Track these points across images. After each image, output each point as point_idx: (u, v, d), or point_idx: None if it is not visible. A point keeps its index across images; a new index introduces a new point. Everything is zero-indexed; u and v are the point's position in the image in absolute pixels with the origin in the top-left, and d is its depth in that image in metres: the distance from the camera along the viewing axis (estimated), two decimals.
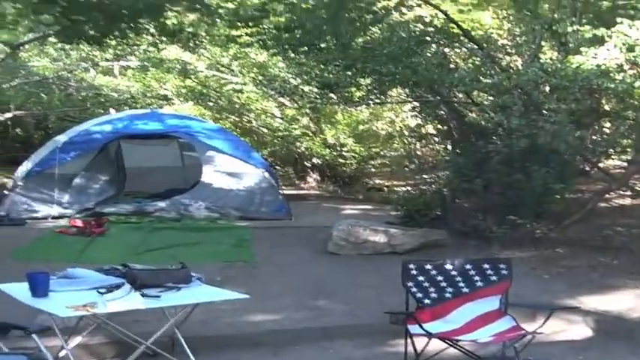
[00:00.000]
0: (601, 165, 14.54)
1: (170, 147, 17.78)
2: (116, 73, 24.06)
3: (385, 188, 20.70)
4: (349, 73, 14.73)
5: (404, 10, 13.83)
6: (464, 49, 14.59)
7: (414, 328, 6.54)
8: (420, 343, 6.58)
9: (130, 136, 16.12)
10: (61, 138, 15.98)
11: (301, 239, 13.16)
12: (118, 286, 6.37)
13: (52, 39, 16.81)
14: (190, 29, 15.80)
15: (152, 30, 15.12)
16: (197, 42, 17.39)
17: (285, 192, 16.99)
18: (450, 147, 16.30)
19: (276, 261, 11.55)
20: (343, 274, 10.84)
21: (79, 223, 13.56)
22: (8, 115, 22.50)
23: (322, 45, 14.56)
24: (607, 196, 14.54)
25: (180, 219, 14.78)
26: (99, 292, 6.24)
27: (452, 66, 14.36)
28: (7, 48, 17.02)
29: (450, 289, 7.05)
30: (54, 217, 14.44)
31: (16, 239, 12.51)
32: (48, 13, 13.74)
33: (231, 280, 9.56)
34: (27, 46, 18.25)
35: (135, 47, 18.79)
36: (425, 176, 17.35)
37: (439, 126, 17.07)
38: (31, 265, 8.34)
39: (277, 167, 21.66)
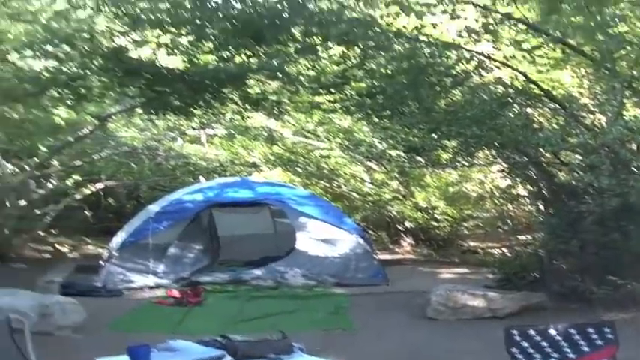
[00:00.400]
0: None
1: (261, 214, 17.88)
2: (203, 142, 24.31)
3: (480, 250, 20.50)
4: (434, 136, 14.73)
5: (483, 72, 13.79)
6: (546, 108, 14.49)
7: None
8: None
9: (221, 204, 16.28)
10: (154, 208, 16.24)
11: (399, 305, 13.10)
12: (219, 358, 6.33)
13: (138, 110, 17.10)
14: (273, 97, 15.98)
15: (236, 99, 15.30)
16: (281, 109, 17.51)
17: (380, 257, 16.88)
18: (542, 207, 16.08)
19: (374, 327, 11.47)
20: (443, 339, 10.74)
21: (176, 293, 13.67)
22: (100, 185, 22.80)
23: (405, 109, 14.57)
24: None
25: (277, 287, 14.78)
26: None
27: (536, 126, 14.28)
28: (95, 120, 17.36)
29: (555, 355, 6.85)
30: (150, 287, 14.56)
31: (113, 310, 12.60)
32: (133, 85, 14.05)
33: (330, 348, 9.46)
34: (114, 117, 18.56)
35: (220, 116, 19.00)
36: (519, 237, 17.16)
37: (529, 186, 16.90)
38: (129, 336, 8.40)
39: (370, 232, 21.56)
